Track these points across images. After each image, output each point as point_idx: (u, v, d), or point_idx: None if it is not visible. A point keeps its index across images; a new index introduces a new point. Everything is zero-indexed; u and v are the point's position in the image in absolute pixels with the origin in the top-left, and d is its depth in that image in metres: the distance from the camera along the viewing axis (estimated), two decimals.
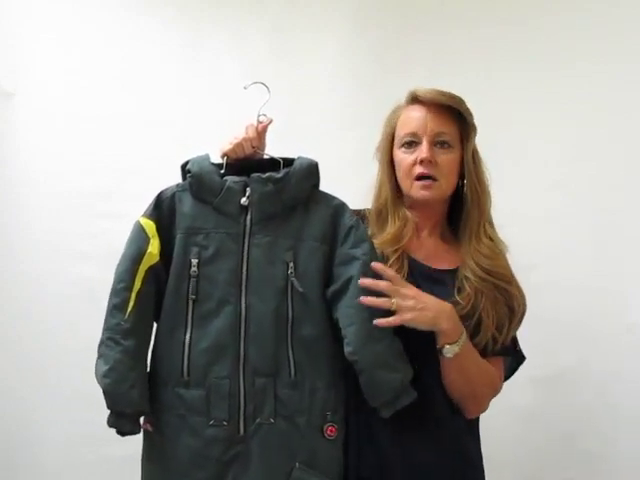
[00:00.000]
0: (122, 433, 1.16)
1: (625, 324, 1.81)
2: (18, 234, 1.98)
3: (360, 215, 1.35)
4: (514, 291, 1.26)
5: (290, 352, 1.14)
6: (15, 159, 2.00)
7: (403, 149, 1.30)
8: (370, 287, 1.14)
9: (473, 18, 1.97)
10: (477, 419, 1.32)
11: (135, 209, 1.94)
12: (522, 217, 1.86)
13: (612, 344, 1.81)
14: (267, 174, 1.18)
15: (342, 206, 1.22)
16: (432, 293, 1.19)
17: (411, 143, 1.28)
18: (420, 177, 1.27)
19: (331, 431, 1.15)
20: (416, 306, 1.13)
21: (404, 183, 1.30)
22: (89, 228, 1.97)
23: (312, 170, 1.21)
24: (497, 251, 1.28)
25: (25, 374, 1.95)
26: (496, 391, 1.28)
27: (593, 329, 1.82)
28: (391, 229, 1.29)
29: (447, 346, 1.15)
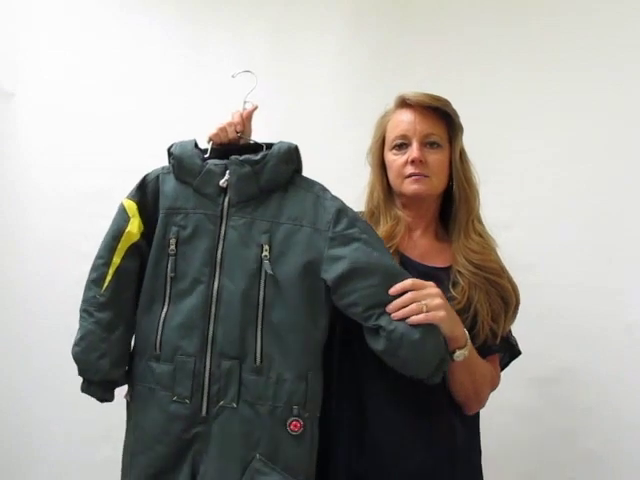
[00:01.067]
0: (99, 400, 1.21)
1: (624, 324, 1.81)
2: (18, 234, 1.99)
3: None
4: (505, 284, 1.28)
5: (258, 337, 1.12)
6: (15, 159, 2.00)
7: (394, 151, 1.34)
8: (397, 308, 1.11)
9: (473, 18, 1.97)
10: (477, 419, 1.33)
11: None
12: (522, 217, 1.86)
13: (611, 344, 1.81)
14: (244, 156, 1.18)
15: (323, 189, 1.22)
16: None
17: (401, 145, 1.32)
18: (411, 175, 1.30)
19: (295, 426, 1.11)
20: (445, 305, 1.13)
21: (396, 182, 1.34)
22: (89, 228, 1.96)
23: (291, 154, 1.20)
24: (486, 246, 1.31)
25: (26, 374, 1.95)
26: (494, 388, 1.31)
27: (592, 329, 1.82)
28: (383, 227, 1.32)
29: (458, 351, 1.16)
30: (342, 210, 1.18)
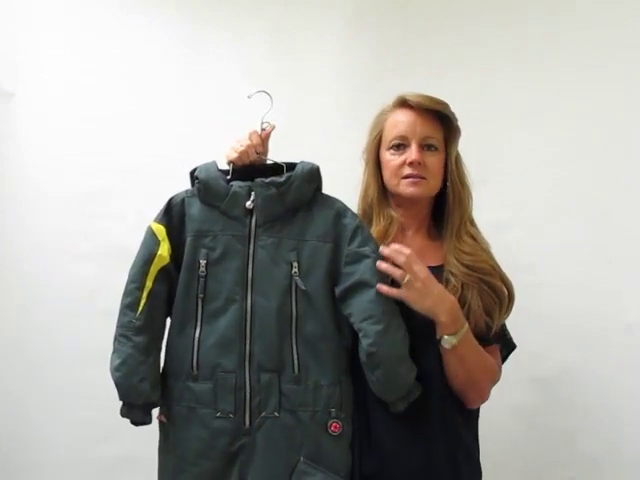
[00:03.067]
0: (135, 423, 1.24)
1: (624, 324, 1.81)
2: (18, 234, 1.98)
3: None
4: (497, 282, 1.29)
5: (294, 349, 1.19)
6: (15, 159, 2.00)
7: (392, 151, 1.34)
8: (389, 257, 1.19)
9: (473, 18, 1.96)
10: (476, 414, 1.34)
11: (135, 209, 1.97)
12: (522, 217, 1.86)
13: (611, 344, 1.81)
14: (270, 178, 1.23)
15: (344, 208, 1.27)
16: None
17: (399, 146, 1.33)
18: (408, 177, 1.31)
19: (335, 427, 1.18)
20: (422, 290, 1.19)
21: (391, 182, 1.35)
22: (89, 228, 1.97)
23: (313, 174, 1.26)
24: (477, 248, 1.32)
25: (25, 374, 1.95)
26: (495, 380, 1.32)
27: (592, 329, 1.82)
28: (376, 227, 1.34)
29: (445, 337, 1.20)
30: (359, 227, 1.24)
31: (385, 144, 1.35)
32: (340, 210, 1.26)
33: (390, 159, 1.34)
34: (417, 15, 2.00)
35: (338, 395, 1.19)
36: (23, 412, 1.95)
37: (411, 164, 1.30)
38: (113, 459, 1.91)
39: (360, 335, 1.18)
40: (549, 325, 1.82)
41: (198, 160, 1.92)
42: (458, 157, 1.36)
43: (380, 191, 1.37)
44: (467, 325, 1.22)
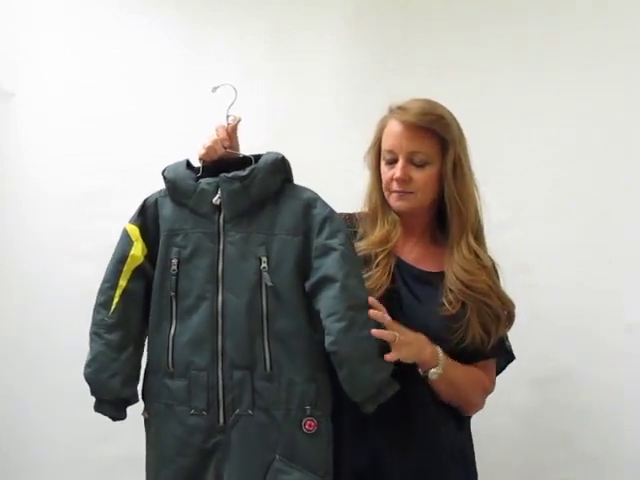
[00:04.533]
0: (112, 418, 1.25)
1: (624, 324, 1.81)
2: (17, 234, 1.99)
3: (354, 218, 1.39)
4: (494, 303, 1.28)
5: (266, 345, 1.17)
6: (15, 159, 2.00)
7: (384, 162, 1.34)
8: (376, 319, 1.16)
9: (473, 18, 1.96)
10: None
11: (135, 209, 1.97)
12: (522, 217, 1.86)
13: (611, 344, 1.81)
14: (233, 173, 1.21)
15: (314, 198, 1.24)
16: (422, 294, 1.26)
17: (390, 159, 1.32)
18: (395, 192, 1.31)
19: (310, 425, 1.16)
20: (406, 341, 1.18)
21: (385, 194, 1.35)
22: (89, 228, 1.97)
23: (278, 164, 1.23)
24: (477, 266, 1.29)
25: (24, 374, 1.95)
26: (487, 392, 1.33)
27: (592, 329, 1.82)
28: (380, 232, 1.33)
29: (432, 370, 1.21)
30: (327, 218, 1.20)
31: (382, 153, 1.35)
32: (310, 200, 1.22)
33: (384, 171, 1.34)
34: (417, 15, 1.99)
35: (313, 392, 1.17)
36: (23, 412, 1.95)
37: (397, 180, 1.29)
38: (113, 459, 1.91)
39: (325, 333, 1.15)
40: (549, 325, 1.82)
41: (198, 160, 1.94)
42: (457, 169, 1.31)
43: (382, 198, 1.36)
44: (441, 351, 1.22)
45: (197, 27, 2.04)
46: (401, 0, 2.02)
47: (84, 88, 2.01)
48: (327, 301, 1.16)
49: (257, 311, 1.18)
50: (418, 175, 1.29)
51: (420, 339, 1.22)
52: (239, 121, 1.28)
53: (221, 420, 1.17)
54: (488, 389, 1.33)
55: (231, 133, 1.27)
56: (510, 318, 1.30)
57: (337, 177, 1.74)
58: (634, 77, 1.85)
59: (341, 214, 1.36)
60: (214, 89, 1.26)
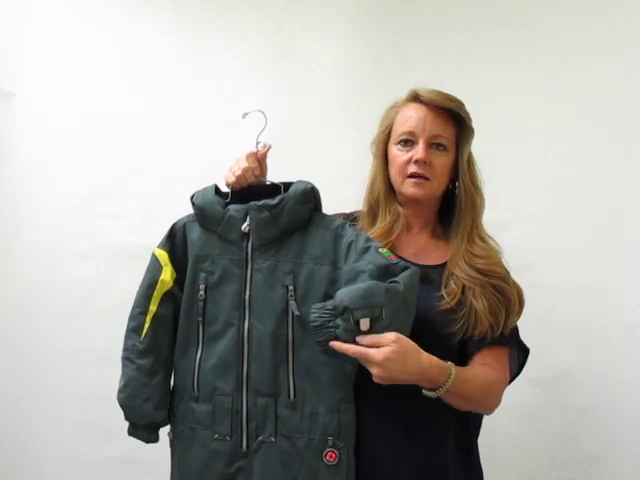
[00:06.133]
0: (145, 442, 1.27)
1: (624, 324, 1.81)
2: (17, 234, 1.99)
3: (352, 217, 1.37)
4: (507, 285, 1.26)
5: (290, 374, 1.18)
6: (15, 159, 2.00)
7: (399, 146, 1.31)
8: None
9: (473, 18, 1.96)
10: (475, 417, 1.31)
11: (135, 209, 1.97)
12: (522, 217, 1.86)
13: (611, 344, 1.81)
14: (263, 201, 1.22)
15: (342, 226, 1.24)
16: (421, 289, 1.19)
17: (407, 141, 1.30)
18: (413, 175, 1.28)
19: (330, 457, 1.16)
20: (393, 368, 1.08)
21: (396, 179, 1.32)
22: (88, 228, 1.97)
23: (307, 194, 1.23)
24: (490, 251, 1.29)
25: (24, 374, 1.95)
26: (502, 390, 1.25)
27: (592, 329, 1.82)
28: (382, 223, 1.31)
29: (439, 389, 1.13)
30: (352, 242, 1.20)
31: (394, 138, 1.32)
32: (338, 230, 1.23)
33: (397, 154, 1.30)
34: (417, 15, 1.99)
35: (336, 423, 1.17)
36: (23, 412, 1.95)
37: (417, 162, 1.26)
38: (113, 460, 1.91)
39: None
40: (549, 325, 1.81)
41: (198, 160, 1.94)
42: (471, 159, 1.32)
43: (387, 186, 1.34)
44: (453, 368, 1.14)
45: (197, 27, 2.04)
46: (401, 0, 2.02)
47: (84, 88, 2.01)
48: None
49: (283, 339, 1.19)
50: (437, 159, 1.28)
51: (420, 367, 1.11)
52: (269, 148, 1.28)
53: (244, 446, 1.18)
54: (502, 386, 1.25)
55: (261, 160, 1.28)
56: (521, 303, 1.27)
57: (337, 177, 1.74)
58: (634, 77, 1.85)
59: (339, 214, 1.37)
60: (244, 115, 1.26)
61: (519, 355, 1.31)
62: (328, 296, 1.17)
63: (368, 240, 1.22)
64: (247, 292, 1.21)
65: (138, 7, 2.04)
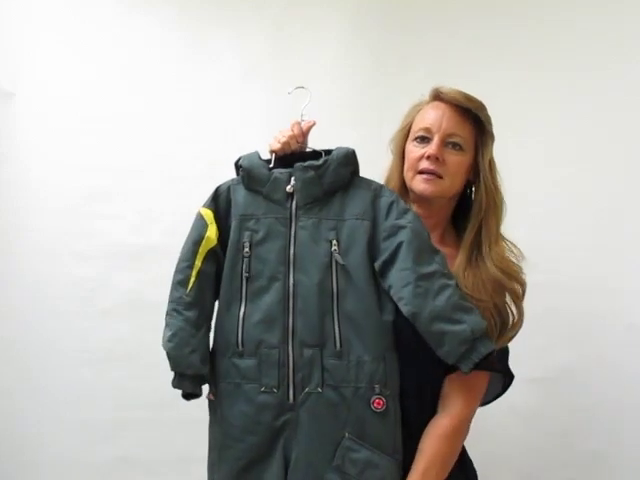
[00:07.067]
0: (186, 396, 1.26)
1: (624, 324, 1.81)
2: (17, 234, 1.99)
3: None
4: (517, 287, 1.26)
5: (336, 324, 1.20)
6: (15, 159, 2.00)
7: (415, 143, 1.31)
8: None
9: (473, 18, 1.96)
10: None
11: (135, 209, 1.97)
12: (521, 218, 1.85)
13: (611, 344, 1.81)
14: (308, 162, 1.27)
15: (381, 187, 1.30)
16: None
17: (423, 138, 1.30)
18: (424, 172, 1.28)
19: (378, 404, 1.17)
20: None
21: (407, 175, 1.32)
22: (88, 228, 1.97)
23: (349, 157, 1.29)
24: (512, 264, 1.30)
25: (23, 374, 1.95)
26: (463, 432, 1.25)
27: (592, 329, 1.82)
28: None
29: None
30: (394, 202, 1.26)
31: (411, 135, 1.33)
32: (377, 191, 1.28)
33: (411, 150, 1.31)
34: (417, 15, 1.99)
35: (382, 371, 1.19)
36: (22, 412, 1.95)
37: (429, 158, 1.26)
38: (112, 460, 1.90)
39: (401, 303, 1.18)
40: (549, 325, 1.81)
41: (198, 160, 1.94)
42: (492, 163, 1.31)
43: (402, 184, 1.34)
44: None
45: (197, 27, 2.04)
46: (401, 0, 2.02)
47: (84, 88, 2.01)
48: (398, 274, 1.19)
49: (327, 291, 1.21)
50: (451, 158, 1.28)
51: None
52: (314, 124, 1.33)
53: (291, 398, 1.19)
54: (460, 431, 1.23)
55: (306, 132, 1.32)
56: (516, 326, 1.25)
57: None
58: (634, 77, 1.86)
59: None
60: (290, 92, 1.33)
61: (504, 377, 1.28)
62: (367, 248, 1.22)
63: (408, 206, 1.27)
64: (292, 248, 1.24)
65: (138, 7, 2.04)
